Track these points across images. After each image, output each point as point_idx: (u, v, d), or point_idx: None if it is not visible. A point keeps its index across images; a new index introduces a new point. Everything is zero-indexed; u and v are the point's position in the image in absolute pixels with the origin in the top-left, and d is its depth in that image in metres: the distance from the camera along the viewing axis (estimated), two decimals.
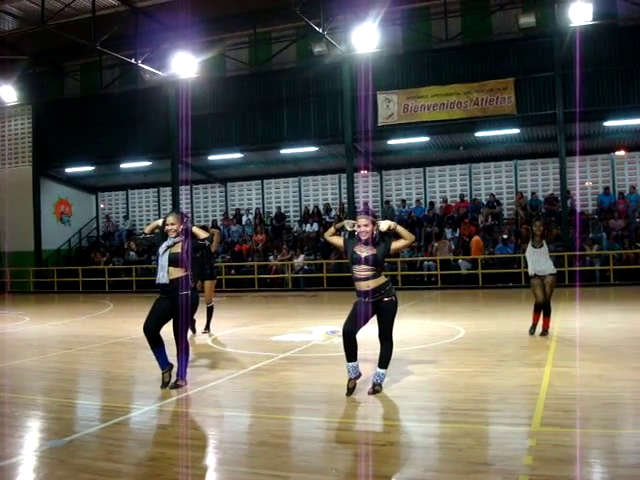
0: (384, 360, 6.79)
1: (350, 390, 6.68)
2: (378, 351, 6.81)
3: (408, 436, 5.43)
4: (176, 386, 7.26)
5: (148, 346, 7.32)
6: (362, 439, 5.39)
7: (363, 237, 6.63)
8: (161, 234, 7.41)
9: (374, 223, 6.67)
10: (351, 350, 6.66)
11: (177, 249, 7.27)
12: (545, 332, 10.32)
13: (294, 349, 9.89)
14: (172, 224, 7.30)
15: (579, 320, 11.95)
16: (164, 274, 7.22)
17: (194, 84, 23.76)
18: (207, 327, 11.98)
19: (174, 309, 7.24)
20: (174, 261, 7.20)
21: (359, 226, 6.66)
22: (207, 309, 11.88)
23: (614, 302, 16.72)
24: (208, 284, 11.94)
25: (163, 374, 7.35)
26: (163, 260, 7.22)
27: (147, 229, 7.81)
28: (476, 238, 22.09)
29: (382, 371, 6.80)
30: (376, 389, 6.72)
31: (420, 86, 22.97)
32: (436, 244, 22.70)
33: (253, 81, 25.30)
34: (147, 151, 26.44)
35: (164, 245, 7.24)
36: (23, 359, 9.67)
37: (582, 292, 18.31)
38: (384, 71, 22.81)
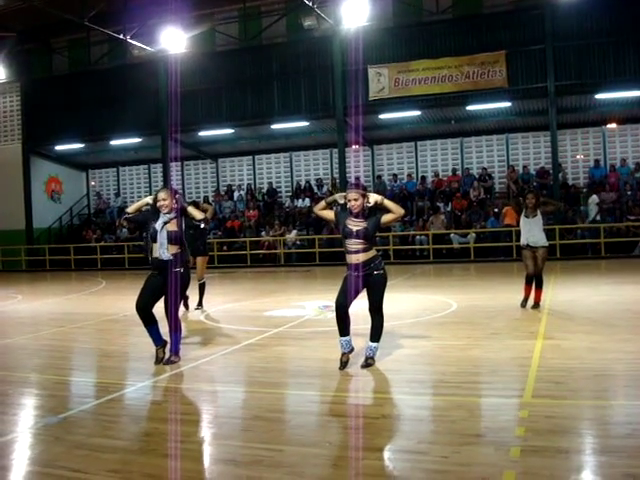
0: (375, 333, 6.80)
1: (343, 364, 6.71)
2: (369, 325, 6.83)
3: (401, 409, 5.47)
4: (169, 362, 7.27)
5: (141, 323, 7.32)
6: (355, 412, 5.42)
7: (354, 210, 6.62)
8: (153, 211, 7.37)
9: (364, 196, 6.64)
10: (344, 324, 6.68)
11: (172, 226, 7.24)
12: (537, 305, 10.35)
13: (287, 324, 9.91)
14: (164, 199, 7.24)
15: (570, 293, 12.02)
16: (164, 251, 7.15)
17: (184, 59, 23.58)
18: (200, 303, 11.96)
19: (166, 286, 7.21)
20: (169, 238, 7.17)
21: (349, 200, 6.64)
22: (199, 285, 11.88)
23: (605, 275, 16.80)
24: (200, 260, 11.93)
25: (157, 350, 7.35)
26: (162, 237, 7.16)
27: (130, 209, 7.65)
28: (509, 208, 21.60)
29: (374, 344, 6.81)
30: (369, 362, 6.74)
31: (411, 60, 22.84)
32: (431, 218, 22.71)
33: (243, 56, 25.10)
34: (137, 127, 26.26)
35: (160, 222, 7.18)
36: (16, 337, 9.67)
37: (573, 265, 18.40)
38: (375, 45, 22.66)
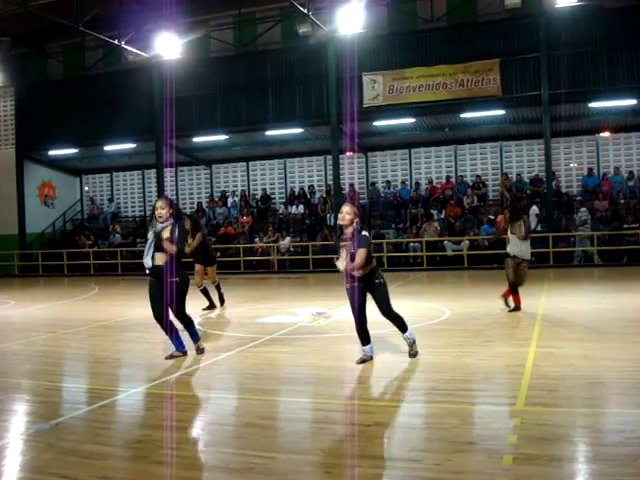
0: (400, 327, 7.32)
1: (361, 362, 7.16)
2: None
3: (394, 416, 5.46)
4: (170, 356, 7.71)
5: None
6: (348, 420, 5.41)
7: (340, 222, 6.95)
8: (152, 218, 7.57)
9: (355, 214, 6.94)
10: (366, 335, 7.19)
11: (166, 234, 7.32)
12: (505, 300, 10.91)
13: (280, 331, 9.90)
14: (162, 208, 7.37)
15: (563, 300, 12.04)
16: (150, 259, 7.35)
17: (178, 65, 23.59)
18: (222, 300, 13.09)
19: (165, 294, 7.40)
20: (161, 247, 7.26)
21: (340, 213, 6.98)
22: (216, 288, 12.94)
23: (598, 283, 16.84)
24: (211, 269, 12.81)
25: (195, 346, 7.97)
26: (153, 245, 7.32)
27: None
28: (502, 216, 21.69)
29: (405, 334, 7.33)
30: (413, 349, 7.38)
31: (405, 67, 22.89)
32: (425, 225, 22.74)
33: (238, 62, 25.12)
34: (131, 133, 26.21)
35: (151, 232, 7.32)
36: (8, 343, 9.62)
37: (566, 273, 18.43)
38: (369, 52, 22.74)
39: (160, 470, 4.31)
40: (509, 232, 10.79)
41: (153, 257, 7.35)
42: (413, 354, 7.35)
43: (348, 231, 6.94)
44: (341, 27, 21.03)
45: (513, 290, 10.81)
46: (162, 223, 7.35)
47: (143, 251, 7.48)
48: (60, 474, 4.24)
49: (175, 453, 4.59)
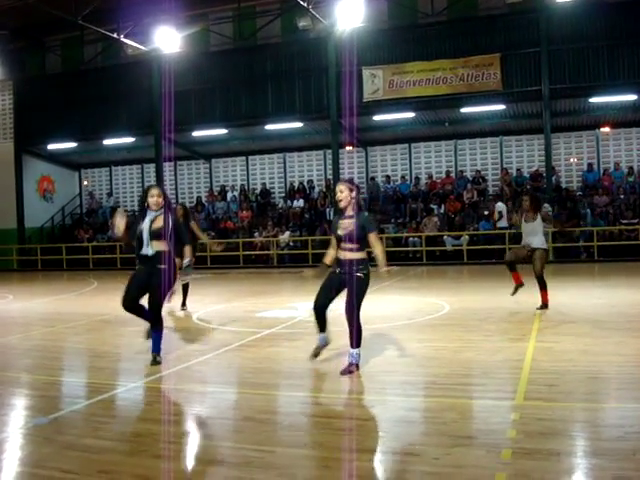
0: (352, 339, 6.53)
1: (315, 355, 6.96)
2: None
3: (392, 410, 5.45)
4: (154, 362, 7.19)
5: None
6: (347, 414, 5.41)
7: (340, 205, 6.64)
8: (140, 208, 7.37)
9: (351, 190, 6.63)
10: (323, 322, 6.83)
11: (159, 223, 7.15)
12: (545, 306, 10.36)
13: (279, 325, 9.89)
14: (158, 196, 7.18)
15: (563, 295, 12.02)
16: (149, 247, 7.12)
17: (178, 59, 23.53)
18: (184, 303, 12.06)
19: (151, 283, 7.10)
20: (156, 235, 7.11)
21: (336, 193, 6.70)
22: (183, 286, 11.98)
23: (598, 278, 16.84)
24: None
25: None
26: (147, 234, 7.12)
27: (120, 232, 7.34)
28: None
29: (354, 351, 6.54)
30: (350, 370, 6.50)
31: (406, 61, 22.88)
32: (425, 220, 22.74)
33: (237, 56, 25.10)
34: (130, 127, 26.20)
35: (147, 220, 7.14)
36: (7, 337, 9.62)
37: (566, 268, 18.43)
38: (369, 46, 22.71)
39: (159, 464, 4.30)
40: (523, 221, 10.45)
41: (151, 245, 7.14)
42: (348, 372, 6.46)
43: (349, 207, 6.61)
44: (341, 21, 20.98)
45: (509, 267, 10.61)
46: (156, 211, 7.23)
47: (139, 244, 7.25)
48: (59, 468, 4.23)
49: (174, 447, 4.59)
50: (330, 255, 6.89)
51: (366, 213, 6.86)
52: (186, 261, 7.45)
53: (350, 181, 7.00)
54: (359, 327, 6.51)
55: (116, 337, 9.46)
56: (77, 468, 4.24)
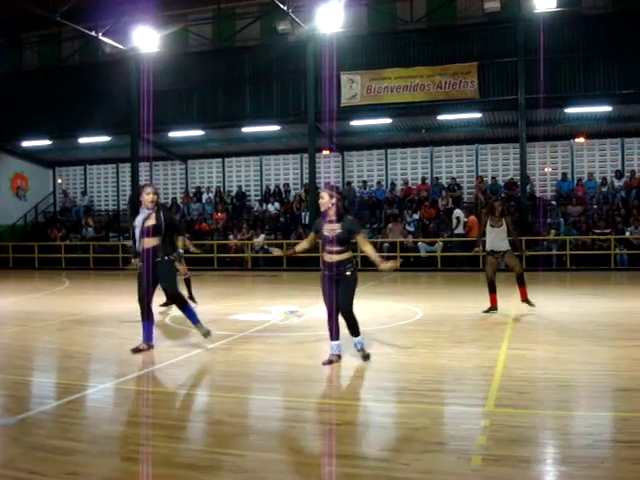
0: (352, 329, 7.10)
1: (328, 362, 7.06)
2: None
3: (364, 415, 5.47)
4: (137, 350, 7.69)
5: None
6: (319, 418, 5.41)
7: (322, 209, 6.99)
8: (131, 206, 7.73)
9: (331, 196, 6.95)
10: (335, 328, 7.11)
11: (152, 220, 7.53)
12: (526, 301, 10.87)
13: (252, 328, 9.86)
14: (154, 194, 7.61)
15: (535, 303, 12.11)
16: (141, 244, 7.54)
17: (156, 59, 23.42)
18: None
19: (157, 274, 7.60)
20: (149, 232, 7.50)
21: (319, 200, 7.05)
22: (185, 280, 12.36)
23: (570, 287, 17.01)
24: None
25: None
26: (140, 232, 7.53)
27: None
28: (473, 218, 21.83)
29: (356, 339, 7.14)
30: (365, 355, 7.14)
31: (384, 68, 22.95)
32: (390, 225, 22.76)
33: (216, 57, 25.03)
34: (106, 126, 25.94)
35: (140, 219, 7.44)
36: None
37: (539, 276, 18.57)
38: (348, 51, 22.77)
39: (129, 466, 4.27)
40: (488, 225, 10.77)
41: (141, 242, 7.53)
42: (365, 356, 7.16)
43: (331, 212, 6.96)
44: (320, 25, 21.04)
45: (490, 289, 10.85)
46: (149, 209, 7.52)
47: (122, 245, 7.68)
48: (26, 469, 4.18)
49: (143, 450, 4.55)
50: (302, 246, 7.48)
51: (350, 217, 7.21)
52: (181, 252, 8.04)
53: (332, 188, 7.29)
54: (355, 320, 7.10)
55: (87, 337, 9.37)
56: (45, 469, 4.19)
